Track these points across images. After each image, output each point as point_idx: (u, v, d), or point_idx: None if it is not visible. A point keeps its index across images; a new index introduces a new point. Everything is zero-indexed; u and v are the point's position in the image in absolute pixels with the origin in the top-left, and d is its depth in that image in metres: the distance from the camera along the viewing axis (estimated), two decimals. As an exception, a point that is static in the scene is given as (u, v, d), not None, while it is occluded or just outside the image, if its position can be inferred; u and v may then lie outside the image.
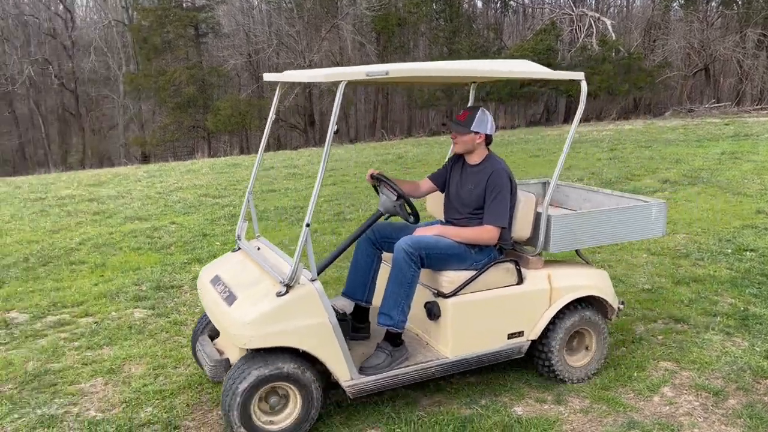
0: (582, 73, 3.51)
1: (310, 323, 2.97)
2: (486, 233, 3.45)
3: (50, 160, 32.53)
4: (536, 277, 3.59)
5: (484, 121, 3.52)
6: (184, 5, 31.79)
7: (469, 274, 3.45)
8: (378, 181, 3.61)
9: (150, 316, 4.99)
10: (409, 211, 3.63)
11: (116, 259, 6.76)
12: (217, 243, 7.33)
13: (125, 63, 35.20)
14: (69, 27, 34.75)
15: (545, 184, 4.73)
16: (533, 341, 3.64)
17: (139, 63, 34.36)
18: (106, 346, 4.41)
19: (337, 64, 32.31)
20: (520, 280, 3.56)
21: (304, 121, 34.43)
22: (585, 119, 25.44)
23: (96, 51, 33.32)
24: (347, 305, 3.72)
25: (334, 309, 3.11)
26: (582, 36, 28.65)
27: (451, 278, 3.41)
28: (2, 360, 4.18)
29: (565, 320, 3.64)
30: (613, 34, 28.72)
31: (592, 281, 3.74)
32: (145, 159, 30.37)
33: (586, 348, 3.84)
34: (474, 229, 3.48)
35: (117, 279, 6.05)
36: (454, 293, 3.39)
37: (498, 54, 31.13)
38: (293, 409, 3.09)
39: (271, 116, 3.66)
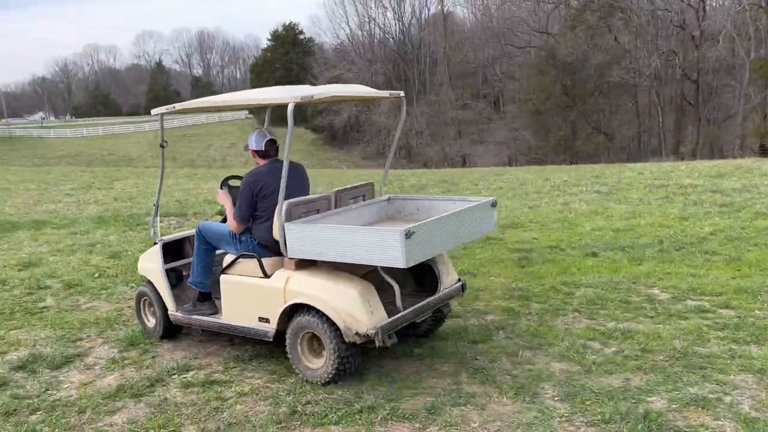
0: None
1: (152, 267, 4.77)
2: (232, 221, 4.28)
3: (664, 148, 33.71)
4: (279, 276, 4.03)
5: (251, 139, 4.36)
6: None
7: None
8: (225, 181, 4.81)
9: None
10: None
11: (752, 255, 6.43)
12: None
13: (754, 49, 32.93)
14: (700, 17, 34.72)
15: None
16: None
17: (770, 47, 31.61)
18: (753, 343, 4.24)
19: None
20: (265, 275, 4.08)
21: None
22: None
23: (724, 38, 32.30)
24: None
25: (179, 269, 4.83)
26: None
27: (227, 260, 4.30)
28: (652, 331, 4.52)
29: (294, 320, 3.97)
30: None
31: (326, 295, 3.85)
32: (764, 152, 27.96)
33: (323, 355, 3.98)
34: (230, 214, 4.34)
35: (755, 276, 5.74)
36: (223, 271, 4.29)
37: None
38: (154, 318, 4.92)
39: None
